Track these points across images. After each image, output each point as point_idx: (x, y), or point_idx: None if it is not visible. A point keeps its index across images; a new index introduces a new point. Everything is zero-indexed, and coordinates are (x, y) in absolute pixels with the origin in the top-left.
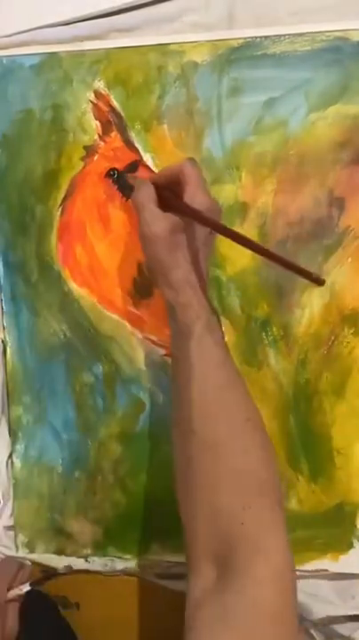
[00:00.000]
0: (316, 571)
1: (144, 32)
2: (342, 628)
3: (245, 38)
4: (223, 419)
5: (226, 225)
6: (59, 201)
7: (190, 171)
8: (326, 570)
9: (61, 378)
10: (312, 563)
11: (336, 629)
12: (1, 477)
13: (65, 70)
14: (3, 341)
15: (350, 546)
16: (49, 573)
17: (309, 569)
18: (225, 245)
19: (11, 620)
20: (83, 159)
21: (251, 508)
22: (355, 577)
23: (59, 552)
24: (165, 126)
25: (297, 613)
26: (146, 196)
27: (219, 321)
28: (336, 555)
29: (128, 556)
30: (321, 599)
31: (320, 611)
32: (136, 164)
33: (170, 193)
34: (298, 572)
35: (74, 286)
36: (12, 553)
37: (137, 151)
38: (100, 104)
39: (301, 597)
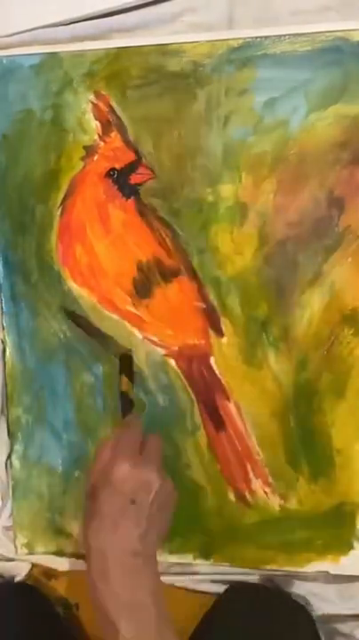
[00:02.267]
0: (317, 573)
1: (144, 32)
2: (343, 626)
3: (245, 38)
4: None
5: None
6: (59, 201)
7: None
8: (326, 572)
9: (61, 378)
10: (312, 564)
11: (336, 627)
12: (0, 478)
13: (65, 70)
14: (2, 341)
15: (350, 547)
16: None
17: (310, 571)
18: (225, 245)
19: None
20: (83, 159)
21: None
22: (356, 579)
23: (59, 553)
24: (165, 126)
25: None
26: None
27: None
28: (336, 556)
29: None
30: (321, 597)
31: (320, 608)
32: (136, 164)
33: None
34: (298, 574)
35: (74, 286)
36: (12, 554)
37: (137, 151)
38: (100, 104)
39: (302, 593)
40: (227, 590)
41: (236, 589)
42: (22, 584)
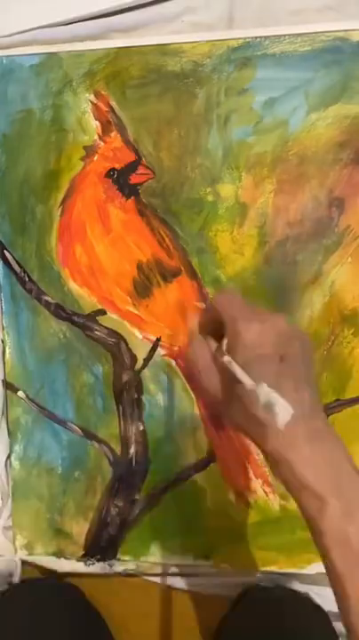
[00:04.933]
0: (318, 574)
1: (144, 32)
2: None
3: (245, 38)
4: None
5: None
6: (59, 201)
7: (226, 309)
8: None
9: (61, 378)
10: (312, 565)
11: (337, 627)
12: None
13: (65, 70)
14: (2, 341)
15: None
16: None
17: (311, 572)
18: (225, 245)
19: None
20: (82, 159)
21: None
22: None
23: (59, 553)
24: (165, 126)
25: None
26: (200, 356)
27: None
28: None
29: (127, 558)
30: (321, 597)
31: (321, 605)
32: (136, 164)
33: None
34: (299, 575)
35: (74, 286)
36: (11, 555)
37: (137, 151)
38: (100, 104)
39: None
40: (244, 592)
41: (254, 591)
42: (66, 583)
